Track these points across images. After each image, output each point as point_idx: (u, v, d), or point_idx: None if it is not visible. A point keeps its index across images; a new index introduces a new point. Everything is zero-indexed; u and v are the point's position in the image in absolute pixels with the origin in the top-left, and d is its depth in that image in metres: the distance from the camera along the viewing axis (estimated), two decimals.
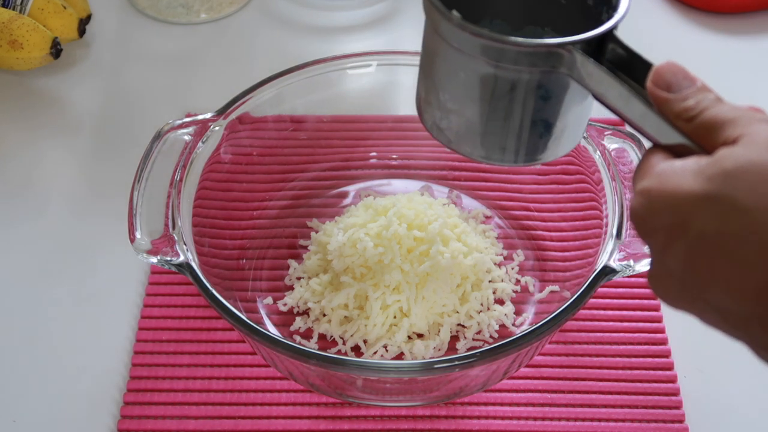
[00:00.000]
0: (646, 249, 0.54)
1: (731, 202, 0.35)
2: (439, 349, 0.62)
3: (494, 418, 0.60)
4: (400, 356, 0.62)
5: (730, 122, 0.38)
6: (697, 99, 0.39)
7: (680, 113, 0.39)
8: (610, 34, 0.43)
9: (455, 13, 0.44)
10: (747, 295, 0.35)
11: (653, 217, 0.38)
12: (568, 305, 0.53)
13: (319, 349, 0.61)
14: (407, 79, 0.71)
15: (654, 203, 0.38)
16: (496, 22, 0.50)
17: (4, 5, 0.81)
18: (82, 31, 0.83)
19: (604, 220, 0.60)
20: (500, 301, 0.65)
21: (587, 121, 0.49)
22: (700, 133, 0.39)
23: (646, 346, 0.63)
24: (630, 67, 0.42)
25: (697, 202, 0.36)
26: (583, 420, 0.60)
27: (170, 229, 0.57)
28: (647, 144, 0.42)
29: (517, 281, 0.66)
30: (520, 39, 0.43)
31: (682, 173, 0.37)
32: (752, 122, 0.37)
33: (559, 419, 0.60)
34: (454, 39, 0.45)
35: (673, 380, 0.62)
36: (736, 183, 0.35)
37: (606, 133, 0.62)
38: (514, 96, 0.45)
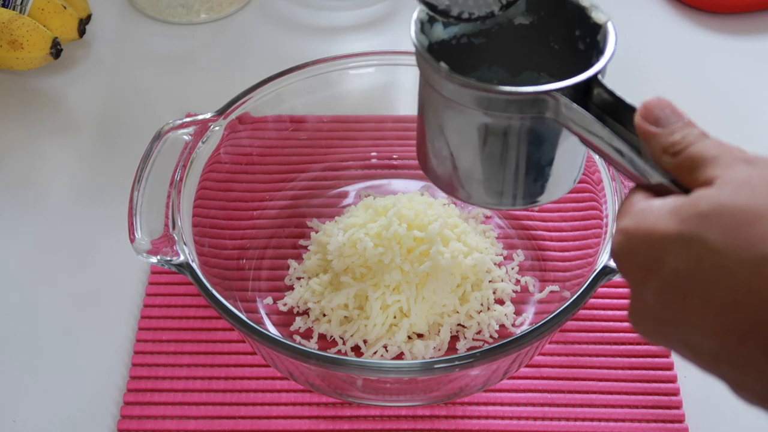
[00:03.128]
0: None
1: (703, 243, 0.36)
2: (439, 349, 0.62)
3: (494, 418, 0.60)
4: (400, 356, 0.62)
5: (712, 160, 0.39)
6: (684, 134, 0.40)
7: (667, 147, 0.40)
8: (595, 79, 0.44)
9: (443, 64, 0.45)
10: (716, 335, 0.36)
11: (631, 255, 0.39)
12: (568, 305, 0.53)
13: (319, 349, 0.61)
14: (407, 79, 0.71)
15: (631, 241, 0.39)
16: (494, 68, 0.51)
17: (4, 5, 0.81)
18: (82, 31, 0.84)
19: (604, 220, 0.60)
20: (500, 301, 0.65)
21: (584, 159, 0.49)
22: (683, 169, 0.40)
23: (646, 346, 0.63)
24: (615, 111, 0.43)
25: (672, 242, 0.37)
26: (583, 420, 0.60)
27: (170, 229, 0.57)
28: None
29: (517, 281, 0.66)
30: (505, 87, 0.44)
31: (659, 213, 0.38)
32: (732, 162, 0.38)
33: (559, 419, 0.60)
34: (444, 89, 0.46)
35: (673, 380, 0.62)
36: (709, 225, 0.36)
37: None
38: (506, 142, 0.46)
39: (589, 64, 0.44)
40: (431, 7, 0.47)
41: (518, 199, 0.49)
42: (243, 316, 0.54)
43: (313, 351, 0.53)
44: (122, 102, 0.83)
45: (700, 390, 0.61)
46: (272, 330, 0.63)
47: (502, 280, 0.66)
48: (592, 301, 0.59)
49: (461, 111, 0.46)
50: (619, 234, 0.40)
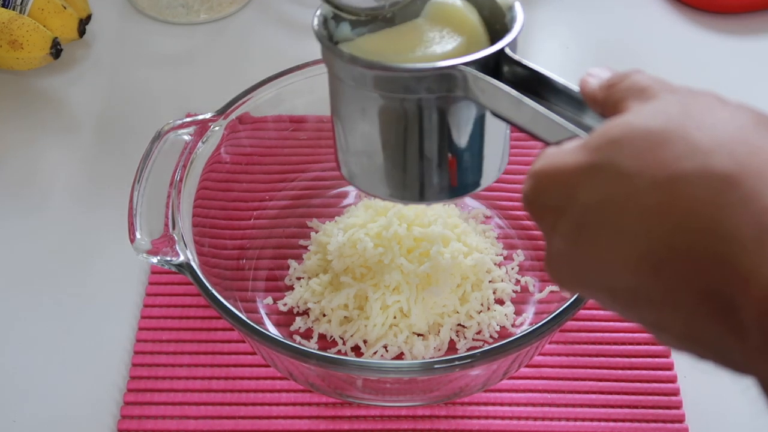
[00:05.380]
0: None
1: (614, 168, 0.33)
2: (439, 349, 0.62)
3: (494, 418, 0.60)
4: (400, 356, 0.62)
5: (641, 90, 0.36)
6: (620, 72, 0.38)
7: (602, 83, 0.38)
8: (503, 53, 0.44)
9: (345, 49, 0.45)
10: (629, 268, 0.33)
11: (540, 197, 0.37)
12: (568, 305, 0.53)
13: (319, 349, 0.61)
14: None
15: (540, 182, 0.37)
16: None
17: (4, 5, 0.81)
18: (82, 31, 0.84)
19: None
20: (500, 301, 0.65)
21: (505, 152, 0.49)
22: (612, 102, 0.37)
23: (646, 346, 0.63)
24: (530, 84, 0.43)
25: (581, 174, 0.34)
26: (583, 420, 0.60)
27: (170, 229, 0.57)
28: None
29: (517, 281, 0.66)
30: (411, 65, 0.43)
31: (569, 149, 0.36)
32: (658, 93, 0.36)
33: (559, 419, 0.60)
34: (348, 76, 0.45)
35: (673, 380, 0.62)
36: (619, 150, 0.33)
37: None
38: (415, 126, 0.45)
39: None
40: (335, 5, 0.47)
41: (444, 191, 0.48)
42: (243, 316, 0.54)
43: (313, 351, 0.53)
44: (122, 102, 0.83)
45: (700, 390, 0.61)
46: (272, 330, 0.63)
47: (502, 280, 0.66)
48: (592, 301, 0.59)
49: (368, 97, 0.45)
50: (529, 177, 0.37)
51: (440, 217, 0.63)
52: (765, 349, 0.29)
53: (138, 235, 0.57)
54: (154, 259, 0.56)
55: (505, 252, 0.68)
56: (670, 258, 0.32)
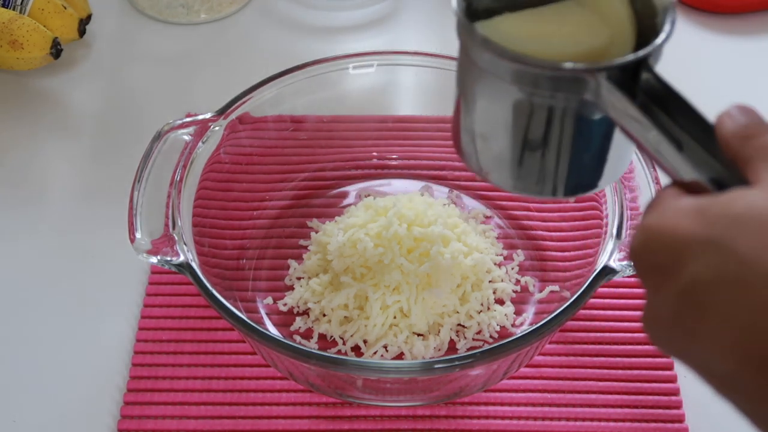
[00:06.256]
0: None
1: (731, 251, 0.32)
2: (439, 349, 0.62)
3: (494, 418, 0.60)
4: (400, 356, 0.62)
5: None
6: (761, 122, 0.36)
7: (738, 132, 0.36)
8: (644, 61, 0.40)
9: (479, 30, 0.42)
10: (732, 358, 0.32)
11: (649, 256, 0.35)
12: (568, 305, 0.53)
13: (319, 349, 0.61)
14: (407, 79, 0.71)
15: (651, 240, 0.35)
16: None
17: (4, 5, 0.81)
18: (82, 31, 0.84)
19: (604, 220, 0.60)
20: (500, 301, 0.65)
21: (629, 151, 0.46)
22: (743, 159, 0.35)
23: (646, 346, 0.63)
24: (661, 101, 0.39)
25: (695, 245, 0.33)
26: (583, 420, 0.60)
27: (170, 229, 0.57)
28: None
29: (517, 281, 0.66)
30: (542, 60, 0.40)
31: (686, 211, 0.34)
32: None
33: (559, 419, 0.60)
34: (480, 59, 0.42)
35: (673, 380, 0.62)
36: (738, 231, 0.32)
37: None
38: (541, 123, 0.43)
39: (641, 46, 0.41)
40: None
41: (559, 189, 0.45)
42: (243, 316, 0.54)
43: (313, 351, 0.53)
44: (122, 102, 0.83)
45: (700, 390, 0.61)
46: (272, 330, 0.63)
47: (502, 280, 0.66)
48: (592, 301, 0.59)
49: (494, 82, 0.42)
50: (640, 231, 0.36)
51: (440, 217, 0.63)
52: None
53: (138, 235, 0.57)
54: (154, 259, 0.56)
55: (505, 252, 0.68)
56: None
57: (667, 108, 0.39)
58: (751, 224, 0.32)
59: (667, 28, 0.41)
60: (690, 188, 0.37)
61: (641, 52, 0.40)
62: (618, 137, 0.43)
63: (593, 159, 0.45)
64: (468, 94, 0.45)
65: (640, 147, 0.40)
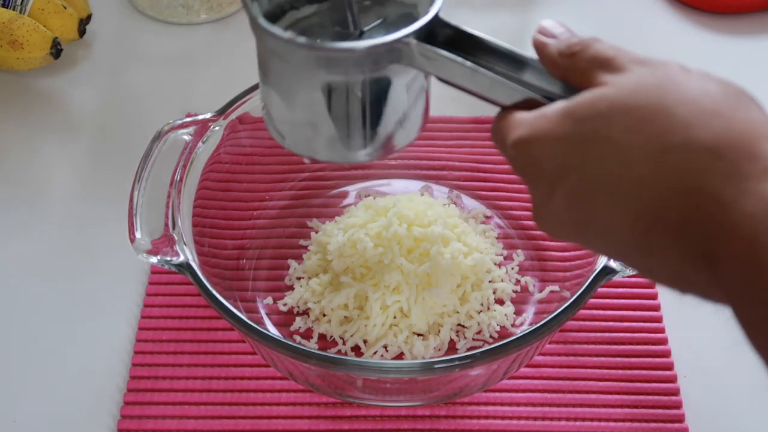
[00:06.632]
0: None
1: (607, 141, 0.37)
2: (439, 349, 0.62)
3: (494, 418, 0.60)
4: (400, 356, 0.62)
5: (607, 61, 0.39)
6: (579, 38, 0.41)
7: (563, 50, 0.41)
8: (436, 18, 0.44)
9: (290, 33, 0.44)
10: (625, 227, 0.37)
11: (533, 165, 0.40)
12: (568, 305, 0.53)
13: (319, 349, 0.61)
14: None
15: (531, 151, 0.39)
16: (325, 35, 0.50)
17: (4, 5, 0.81)
18: (82, 31, 0.84)
19: None
20: (500, 301, 0.65)
21: (426, 103, 0.49)
22: (577, 71, 0.40)
23: (646, 346, 0.63)
24: (460, 42, 0.44)
25: (573, 143, 0.38)
26: (583, 420, 0.60)
27: (170, 229, 0.57)
28: None
29: (517, 281, 0.66)
30: (356, 43, 0.43)
31: (552, 118, 0.39)
32: (627, 64, 0.39)
33: (559, 419, 0.60)
34: (293, 58, 0.45)
35: (673, 380, 0.62)
36: (609, 124, 0.37)
37: None
38: (356, 97, 0.45)
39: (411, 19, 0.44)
40: None
41: (371, 151, 0.48)
42: (243, 316, 0.54)
43: (313, 351, 0.53)
44: (122, 102, 0.83)
45: (700, 390, 0.61)
46: (272, 330, 0.63)
47: (502, 280, 0.66)
48: (592, 301, 0.59)
49: (309, 75, 0.45)
50: (516, 147, 0.40)
51: (440, 217, 0.63)
52: (743, 293, 0.34)
53: (138, 235, 0.57)
54: (154, 259, 0.56)
55: (505, 252, 0.68)
56: (660, 221, 0.36)
57: (469, 50, 0.44)
58: (616, 116, 0.37)
59: None
60: (523, 107, 0.41)
61: (434, 10, 0.44)
62: (412, 93, 0.47)
63: (406, 117, 0.48)
64: (281, 88, 0.48)
65: (468, 91, 0.44)
